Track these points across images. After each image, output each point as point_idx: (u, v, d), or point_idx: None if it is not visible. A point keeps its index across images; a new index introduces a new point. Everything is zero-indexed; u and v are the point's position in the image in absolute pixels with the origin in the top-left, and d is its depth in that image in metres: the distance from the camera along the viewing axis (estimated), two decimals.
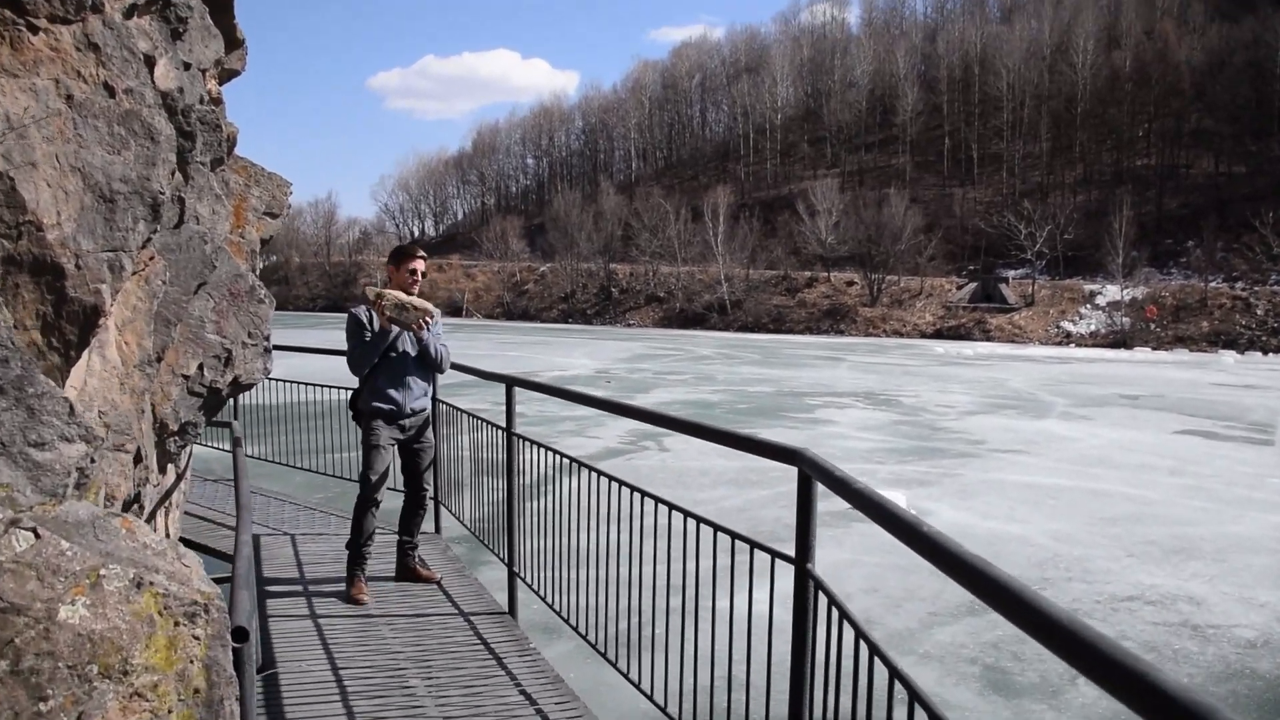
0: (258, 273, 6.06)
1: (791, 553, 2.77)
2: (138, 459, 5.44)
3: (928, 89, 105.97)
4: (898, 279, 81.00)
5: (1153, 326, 66.93)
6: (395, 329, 5.63)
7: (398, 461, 5.88)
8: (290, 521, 7.29)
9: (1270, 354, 60.27)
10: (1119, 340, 66.61)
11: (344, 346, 5.81)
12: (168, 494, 6.38)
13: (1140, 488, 15.29)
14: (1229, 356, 55.88)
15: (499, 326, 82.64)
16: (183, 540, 6.96)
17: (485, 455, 5.84)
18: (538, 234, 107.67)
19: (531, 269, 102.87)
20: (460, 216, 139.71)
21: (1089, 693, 7.57)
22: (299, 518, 7.39)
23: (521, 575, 5.19)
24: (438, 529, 7.02)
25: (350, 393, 5.98)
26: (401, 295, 5.57)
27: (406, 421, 5.77)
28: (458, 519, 6.60)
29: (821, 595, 2.60)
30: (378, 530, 5.80)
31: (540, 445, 4.83)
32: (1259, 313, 66.15)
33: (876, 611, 9.33)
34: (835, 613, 2.48)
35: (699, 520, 3.39)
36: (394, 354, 5.68)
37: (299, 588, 5.63)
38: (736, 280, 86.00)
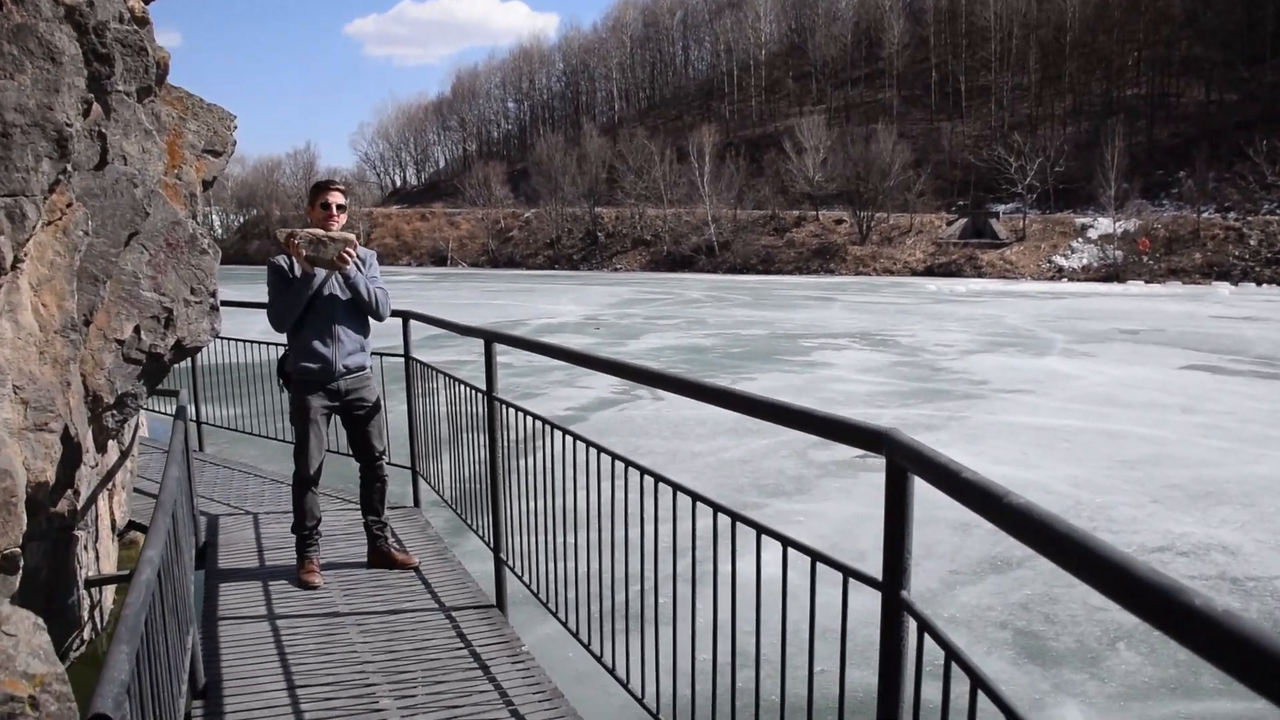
0: (200, 219, 5.29)
1: (867, 568, 2.03)
2: (66, 438, 4.73)
3: (914, 21, 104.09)
4: (887, 216, 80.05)
5: (1145, 259, 66.26)
6: (319, 272, 4.89)
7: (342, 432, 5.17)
8: (254, 498, 6.60)
9: (1265, 285, 59.80)
10: (1112, 274, 65.97)
11: None
12: (109, 475, 5.66)
13: (1154, 427, 14.70)
14: (1224, 288, 55.46)
15: (484, 275, 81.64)
16: (132, 525, 6.26)
17: (464, 420, 5.12)
18: (521, 179, 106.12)
19: (516, 215, 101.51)
20: (442, 164, 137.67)
21: (1130, 658, 6.99)
22: (263, 493, 6.70)
23: (510, 563, 4.49)
24: (416, 501, 6.32)
25: (280, 356, 5.26)
26: (316, 230, 4.82)
27: (341, 383, 5.02)
28: (437, 493, 5.90)
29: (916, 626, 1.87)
30: (347, 510, 5.11)
31: (526, 412, 4.11)
32: (1252, 243, 65.51)
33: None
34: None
35: (734, 517, 2.69)
36: (319, 303, 4.94)
37: (256, 581, 4.94)
38: (724, 221, 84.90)
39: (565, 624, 3.86)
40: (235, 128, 5.48)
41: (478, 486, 4.93)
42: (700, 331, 30.44)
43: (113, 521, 5.55)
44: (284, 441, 7.95)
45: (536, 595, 4.09)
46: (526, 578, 4.23)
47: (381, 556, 5.20)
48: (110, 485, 5.50)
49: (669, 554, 3.20)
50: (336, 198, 5.04)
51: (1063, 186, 77.09)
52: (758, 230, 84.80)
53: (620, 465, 3.35)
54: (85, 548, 5.09)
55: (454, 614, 4.40)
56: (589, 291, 53.62)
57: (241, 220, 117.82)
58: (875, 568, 7.22)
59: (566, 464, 3.75)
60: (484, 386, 4.56)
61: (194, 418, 8.26)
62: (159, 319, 5.10)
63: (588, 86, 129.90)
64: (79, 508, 4.85)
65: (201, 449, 8.27)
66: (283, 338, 5.07)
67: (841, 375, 20.27)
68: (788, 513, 10.47)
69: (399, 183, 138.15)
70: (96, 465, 5.26)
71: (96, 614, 5.69)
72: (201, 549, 5.54)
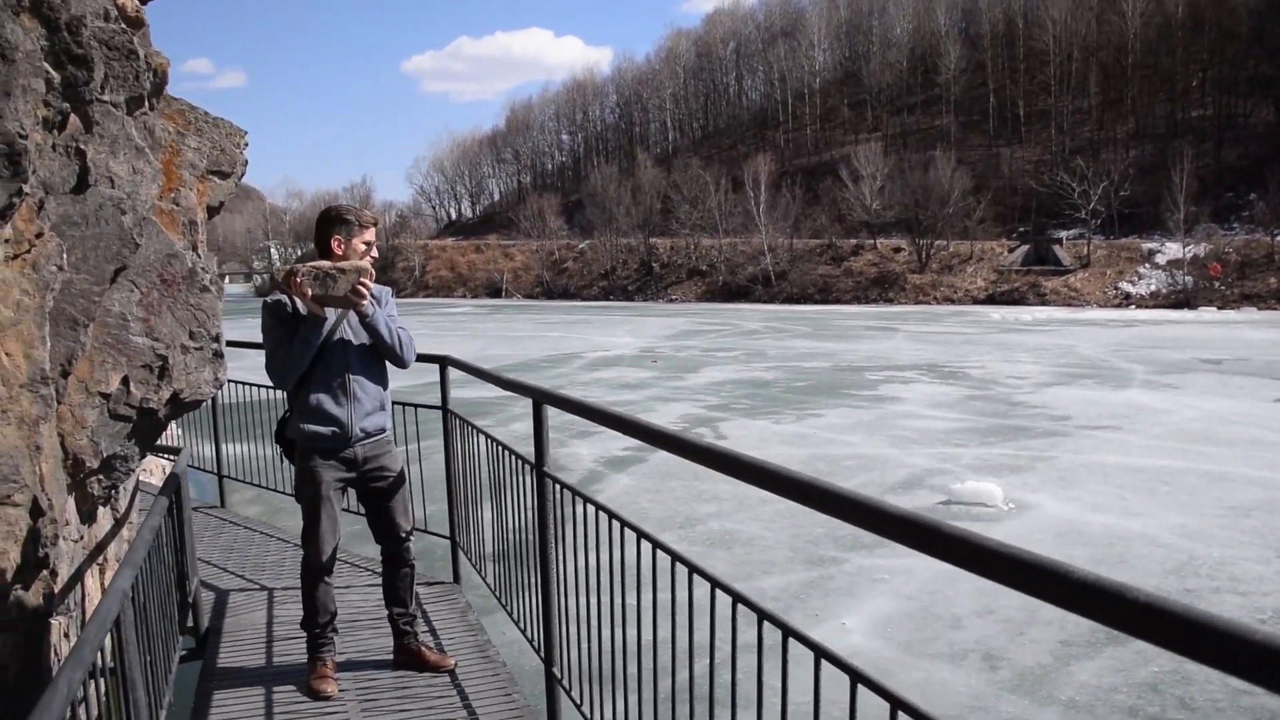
0: (202, 251, 4.52)
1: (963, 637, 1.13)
2: (35, 511, 3.96)
3: (970, 45, 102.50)
4: (946, 244, 78.44)
5: (1217, 284, 64.05)
6: (329, 314, 4.01)
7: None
8: (272, 568, 5.77)
9: None
10: (1182, 300, 63.85)
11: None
12: (99, 549, 4.88)
13: (1262, 468, 13.52)
14: None
15: (539, 306, 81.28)
16: None
17: (510, 495, 4.24)
18: (575, 211, 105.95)
19: (570, 246, 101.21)
20: (496, 196, 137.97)
21: None
22: (283, 562, 5.87)
23: (565, 684, 3.59)
24: (455, 577, 5.45)
25: (280, 419, 4.36)
26: (321, 263, 3.93)
27: (358, 450, 4.11)
28: (480, 574, 5.03)
29: None
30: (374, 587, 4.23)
31: (585, 498, 3.20)
32: None
33: (999, 641, 7.71)
34: None
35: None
36: (329, 352, 4.05)
37: (260, 686, 4.09)
38: (780, 250, 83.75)
39: None
40: (246, 145, 4.71)
41: (525, 578, 4.05)
42: (760, 364, 29.48)
43: None
44: None
45: None
46: (586, 708, 3.33)
47: (410, 656, 4.31)
48: (101, 560, 4.73)
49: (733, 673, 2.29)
50: (373, 234, 4.19)
51: (1127, 211, 75.07)
52: (814, 259, 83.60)
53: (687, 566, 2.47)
54: (66, 636, 4.30)
55: None
56: (645, 323, 52.86)
57: (299, 254, 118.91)
58: (974, 635, 6.14)
59: (629, 565, 2.87)
60: (533, 457, 3.67)
61: (215, 469, 7.50)
62: (151, 368, 4.33)
63: (641, 117, 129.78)
64: (56, 591, 4.08)
65: (223, 504, 7.51)
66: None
67: (912, 410, 19.22)
68: (869, 569, 9.51)
69: (454, 215, 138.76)
70: (81, 539, 4.49)
71: (83, 711, 4.93)
72: (203, 636, 4.74)
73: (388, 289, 4.26)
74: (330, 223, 4.11)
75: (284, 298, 4.01)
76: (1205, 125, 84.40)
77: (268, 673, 4.23)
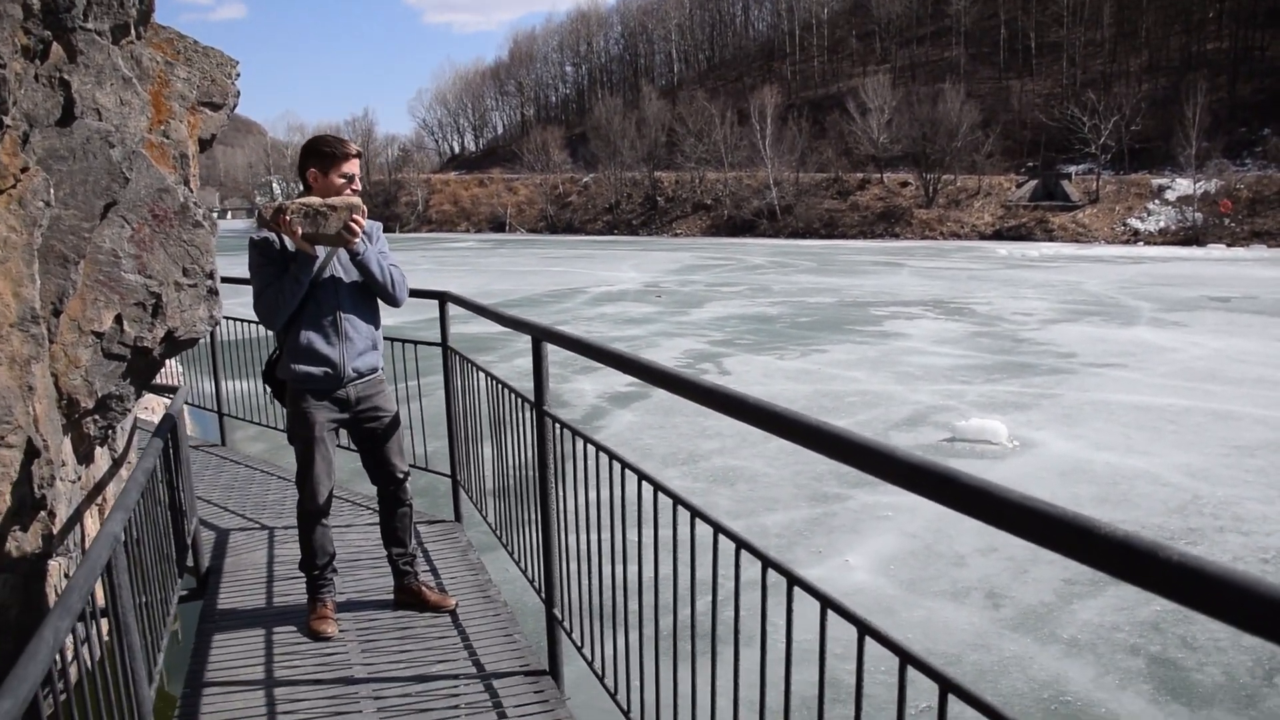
0: (194, 185, 4.41)
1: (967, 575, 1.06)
2: (30, 452, 3.90)
3: None
4: (954, 178, 77.81)
5: (1227, 221, 63.53)
6: (319, 252, 3.89)
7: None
8: (273, 507, 5.73)
9: None
10: (1191, 237, 63.39)
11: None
12: (98, 489, 4.84)
13: (1269, 408, 13.45)
14: None
15: (543, 240, 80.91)
16: None
17: (510, 433, 4.16)
18: (579, 144, 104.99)
19: (574, 180, 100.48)
20: (500, 130, 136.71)
21: None
22: (284, 500, 5.83)
23: (565, 625, 3.56)
24: (457, 515, 5.42)
25: (268, 358, 4.24)
26: (311, 199, 3.77)
27: (350, 390, 4.01)
28: (481, 514, 4.98)
29: None
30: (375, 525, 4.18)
31: (586, 439, 3.13)
32: None
33: (1002, 580, 7.71)
34: None
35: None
36: (320, 291, 3.92)
37: (260, 628, 4.06)
38: (786, 185, 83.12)
39: (628, 714, 2.96)
40: (238, 75, 4.57)
41: (525, 515, 3.99)
42: (765, 299, 29.35)
43: None
44: None
45: (601, 680, 3.18)
46: (587, 650, 3.30)
47: (411, 596, 4.28)
48: (100, 500, 4.69)
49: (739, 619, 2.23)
50: (356, 167, 4.01)
51: (1138, 146, 74.24)
52: (820, 194, 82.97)
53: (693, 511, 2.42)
54: (66, 576, 4.28)
55: (495, 683, 3.49)
56: (649, 257, 52.60)
57: (301, 188, 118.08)
58: (976, 574, 6.10)
59: (629, 504, 2.81)
60: (533, 396, 3.60)
61: (215, 407, 7.45)
62: (145, 306, 4.24)
63: (646, 49, 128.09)
64: (55, 532, 4.04)
65: (224, 443, 7.47)
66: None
67: (918, 347, 19.13)
68: (873, 506, 9.49)
69: (457, 149, 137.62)
70: (79, 480, 4.44)
71: (85, 650, 4.93)
72: (203, 576, 4.71)
73: (378, 224, 4.12)
74: (308, 154, 3.95)
75: (272, 235, 3.88)
76: (1221, 58, 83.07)
77: (268, 613, 4.20)
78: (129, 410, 4.49)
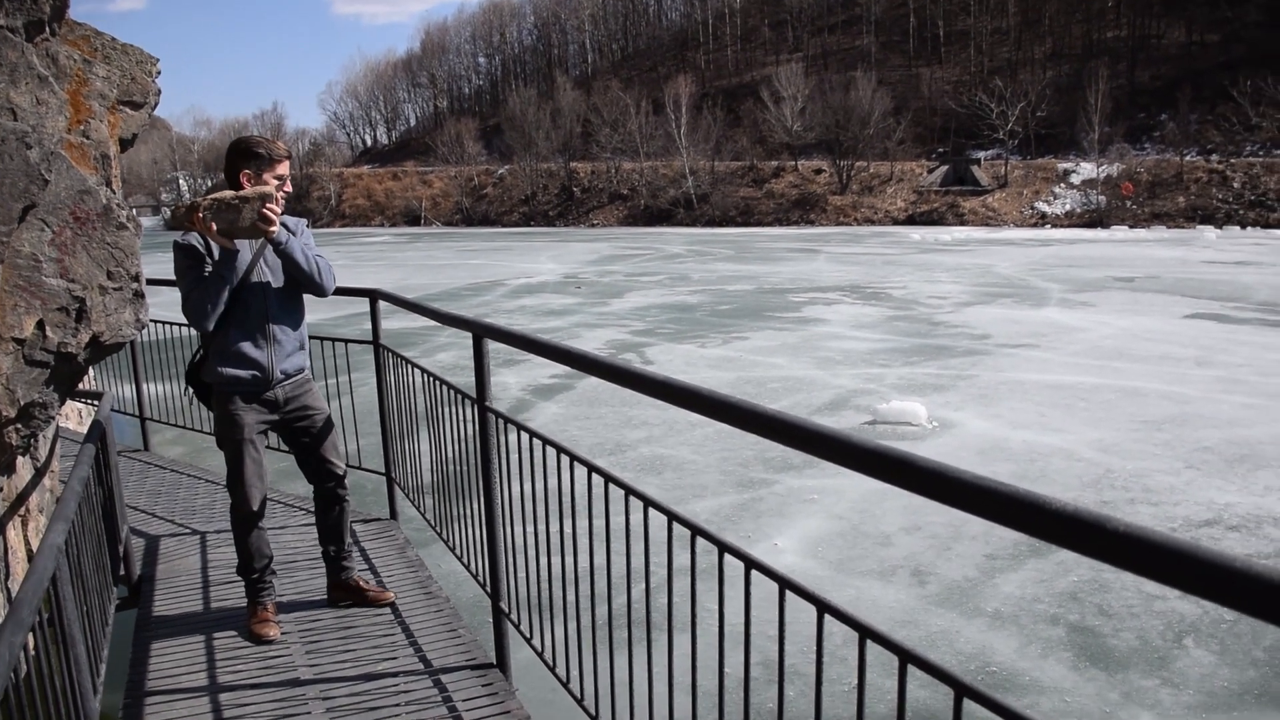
0: (117, 186, 4.33)
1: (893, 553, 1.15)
2: None
3: None
4: (867, 165, 78.97)
5: (1129, 204, 65.56)
6: (243, 248, 3.88)
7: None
8: (203, 511, 5.65)
9: (1249, 227, 59.34)
10: (1095, 219, 65.28)
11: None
12: (20, 500, 4.73)
13: (1173, 383, 13.96)
14: (1209, 232, 54.92)
15: (459, 234, 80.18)
16: None
17: (449, 428, 4.16)
18: (494, 135, 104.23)
19: (489, 172, 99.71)
20: (413, 122, 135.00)
21: (1203, 658, 6.22)
22: (214, 504, 5.74)
23: (512, 616, 3.59)
24: (393, 513, 5.39)
25: (190, 359, 4.19)
26: (222, 193, 3.75)
27: (278, 391, 4.00)
28: (419, 510, 4.98)
29: None
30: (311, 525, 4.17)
31: (531, 433, 3.16)
32: (1235, 185, 64.91)
33: (927, 557, 7.91)
34: None
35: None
36: (246, 292, 3.90)
37: (199, 634, 4.02)
38: (702, 174, 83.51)
39: (581, 702, 3.00)
40: (158, 73, 4.49)
41: (465, 510, 4.01)
42: (685, 288, 29.52)
43: (28, 554, 4.63)
44: None
45: (553, 669, 3.21)
46: (536, 640, 3.34)
47: (349, 592, 4.28)
48: (23, 512, 4.57)
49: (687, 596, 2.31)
50: (288, 168, 3.99)
51: (1044, 131, 76.14)
52: (736, 182, 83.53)
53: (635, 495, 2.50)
54: None
55: (443, 677, 3.50)
56: (567, 248, 52.50)
57: (210, 184, 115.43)
58: (902, 552, 6.29)
59: (577, 493, 2.86)
60: (473, 391, 3.61)
61: (138, 413, 7.29)
62: (68, 311, 4.15)
63: (560, 39, 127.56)
64: None
65: (147, 447, 7.32)
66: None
67: (837, 332, 19.44)
68: (799, 490, 9.65)
69: (369, 142, 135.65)
70: (1, 491, 4.34)
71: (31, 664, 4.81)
72: (136, 584, 4.63)
73: (303, 220, 4.12)
74: (239, 156, 3.91)
75: (195, 236, 3.85)
76: (1120, 46, 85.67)
77: (206, 618, 4.15)
78: (53, 418, 4.38)
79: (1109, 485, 9.66)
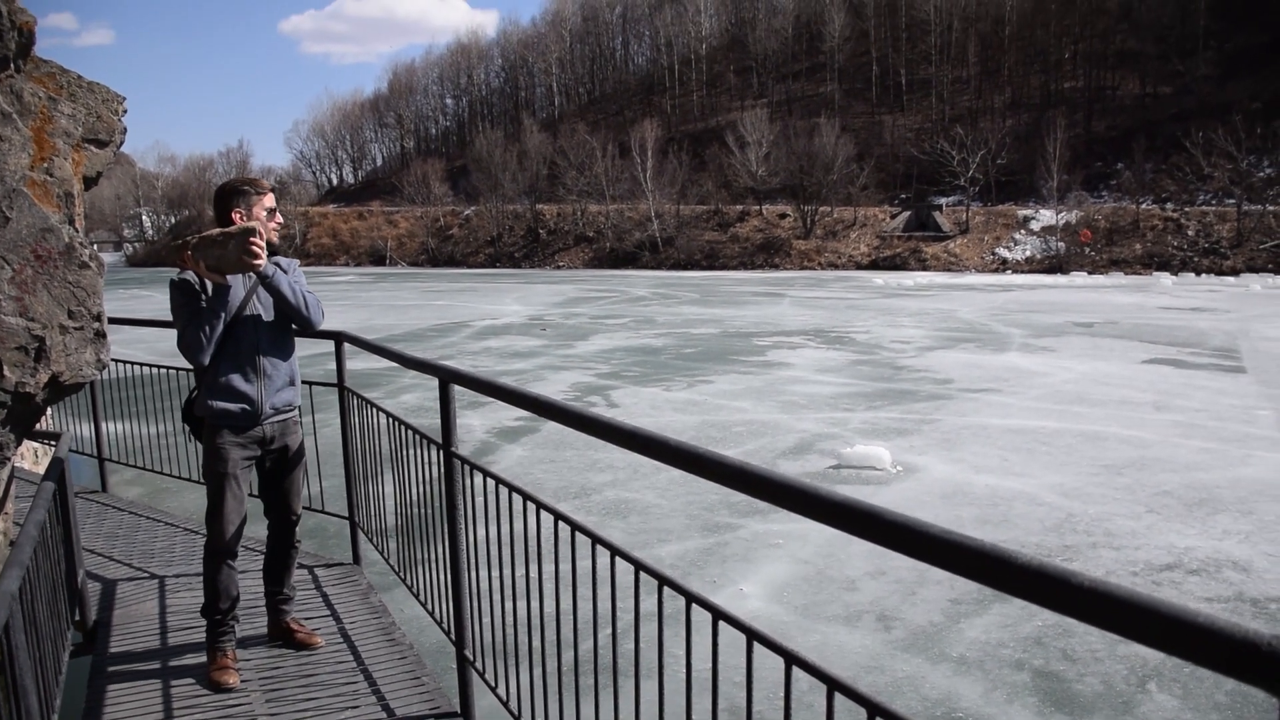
0: (80, 225, 4.29)
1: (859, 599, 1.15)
2: None
3: (854, 14, 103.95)
4: (831, 210, 79.87)
5: (1088, 250, 66.67)
6: (235, 284, 3.98)
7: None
8: (162, 555, 5.55)
9: (1203, 274, 60.44)
10: (1055, 265, 66.30)
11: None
12: None
13: (1132, 428, 14.12)
14: (1165, 278, 55.81)
15: (424, 274, 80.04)
16: None
17: (414, 471, 4.13)
18: (460, 176, 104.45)
19: (455, 213, 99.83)
20: (379, 162, 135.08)
21: (1166, 702, 6.25)
22: (174, 548, 5.65)
23: (476, 664, 3.54)
24: (355, 558, 5.33)
25: (187, 396, 4.27)
26: (209, 232, 3.88)
27: (266, 428, 4.06)
28: (383, 557, 4.92)
29: None
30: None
31: (498, 480, 3.14)
32: (1190, 233, 66.21)
33: (892, 602, 7.91)
34: None
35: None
36: (239, 327, 4.00)
37: (156, 680, 3.93)
38: (667, 217, 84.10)
39: None
40: (124, 111, 4.48)
41: (429, 555, 3.97)
42: (650, 331, 29.59)
43: None
44: (200, 483, 6.88)
45: (517, 718, 3.16)
46: (501, 689, 3.29)
47: (284, 633, 4.32)
48: None
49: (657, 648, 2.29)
50: (274, 201, 4.19)
51: (1004, 179, 77.45)
52: (701, 225, 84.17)
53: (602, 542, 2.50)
54: None
55: None
56: (532, 290, 52.54)
57: (173, 221, 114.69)
58: (868, 598, 6.28)
59: (543, 539, 2.85)
60: (440, 436, 3.59)
61: (95, 453, 7.17)
62: (27, 350, 4.10)
63: (527, 82, 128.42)
64: None
65: (105, 488, 7.20)
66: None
67: (801, 376, 19.52)
68: (764, 535, 9.63)
69: (335, 181, 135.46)
70: None
71: None
72: (91, 629, 4.54)
73: (295, 260, 4.25)
74: (228, 196, 4.07)
75: (190, 275, 3.96)
76: (1077, 96, 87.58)
77: (164, 665, 4.07)
78: (8, 459, 4.31)
79: (1071, 529, 9.72)
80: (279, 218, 4.13)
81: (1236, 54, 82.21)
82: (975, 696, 6.34)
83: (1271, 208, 64.99)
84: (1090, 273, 63.11)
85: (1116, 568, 8.68)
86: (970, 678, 6.61)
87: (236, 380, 3.97)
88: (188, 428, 4.26)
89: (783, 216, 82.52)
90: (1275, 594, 8.17)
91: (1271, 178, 67.69)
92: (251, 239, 3.81)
